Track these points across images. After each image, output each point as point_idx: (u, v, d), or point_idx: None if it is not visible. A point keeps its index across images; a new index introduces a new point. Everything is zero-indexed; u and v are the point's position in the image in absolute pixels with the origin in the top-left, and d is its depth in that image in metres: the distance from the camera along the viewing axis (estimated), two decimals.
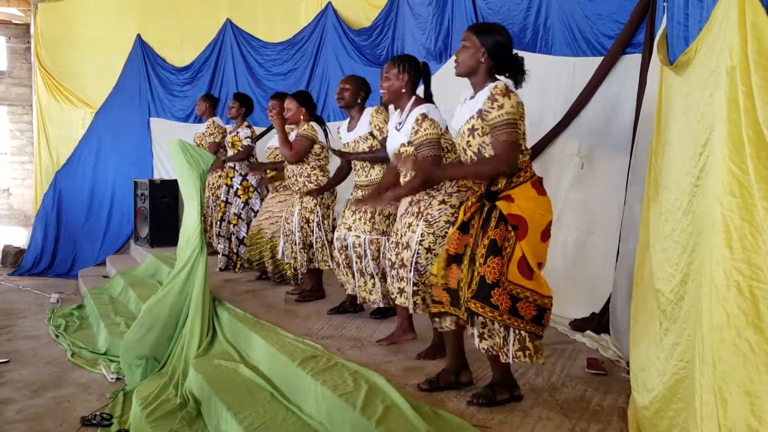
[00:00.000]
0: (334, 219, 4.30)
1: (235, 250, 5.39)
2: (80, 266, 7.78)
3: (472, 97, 2.60)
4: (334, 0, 6.71)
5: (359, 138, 3.70)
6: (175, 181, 6.39)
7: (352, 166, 3.80)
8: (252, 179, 5.36)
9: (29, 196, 9.26)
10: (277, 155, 4.85)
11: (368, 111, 3.70)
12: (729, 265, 1.44)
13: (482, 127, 2.49)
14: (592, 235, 3.92)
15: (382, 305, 3.65)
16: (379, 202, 2.99)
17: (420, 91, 3.14)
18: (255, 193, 5.37)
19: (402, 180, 3.15)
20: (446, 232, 2.89)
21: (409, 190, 2.90)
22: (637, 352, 2.35)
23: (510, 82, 2.52)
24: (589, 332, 3.54)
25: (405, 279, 3.05)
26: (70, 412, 3.69)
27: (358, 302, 3.77)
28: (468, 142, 2.54)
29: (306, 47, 7.02)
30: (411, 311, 3.06)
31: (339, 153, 3.87)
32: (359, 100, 3.73)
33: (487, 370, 2.81)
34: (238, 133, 5.39)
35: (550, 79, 4.10)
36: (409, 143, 3.03)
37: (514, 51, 2.59)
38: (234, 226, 5.34)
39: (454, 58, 2.65)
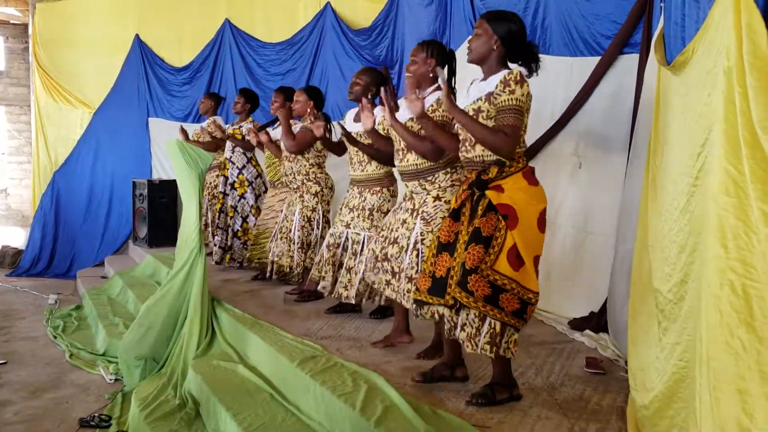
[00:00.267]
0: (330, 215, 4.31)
1: (228, 243, 5.39)
2: (78, 267, 7.77)
3: (483, 80, 2.60)
4: (333, 0, 6.71)
5: (363, 132, 3.66)
6: (174, 181, 6.40)
7: (350, 159, 3.77)
8: (247, 173, 5.36)
9: (27, 196, 9.24)
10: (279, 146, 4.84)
11: (379, 111, 3.66)
12: (723, 264, 1.44)
13: (488, 110, 2.49)
14: (591, 235, 3.93)
15: (353, 302, 3.64)
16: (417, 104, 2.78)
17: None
18: (250, 188, 5.37)
19: (397, 162, 3.12)
20: None
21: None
22: (636, 351, 2.36)
23: (524, 70, 2.53)
24: (587, 331, 3.54)
25: (390, 272, 3.05)
26: (68, 413, 3.68)
27: (333, 297, 3.74)
28: None
29: (305, 47, 7.02)
30: (402, 303, 3.05)
31: (347, 135, 3.79)
32: (369, 95, 3.70)
33: (486, 369, 2.82)
34: (241, 126, 5.38)
35: (547, 79, 4.08)
36: (412, 120, 3.00)
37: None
38: (231, 219, 5.34)
39: (466, 45, 2.65)
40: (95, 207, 8.07)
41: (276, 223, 4.82)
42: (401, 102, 3.18)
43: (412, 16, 5.65)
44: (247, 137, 5.08)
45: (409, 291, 2.96)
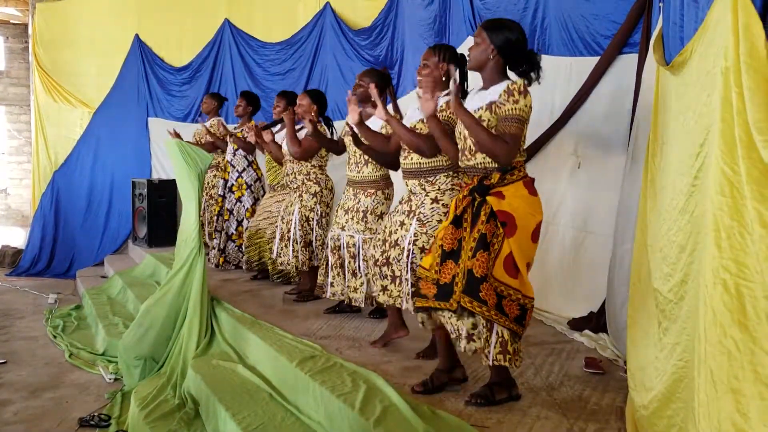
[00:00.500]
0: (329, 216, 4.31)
1: (222, 246, 5.39)
2: (78, 266, 7.77)
3: (480, 89, 2.60)
4: (332, 0, 6.71)
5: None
6: (174, 181, 6.41)
7: (348, 159, 3.76)
8: (246, 177, 5.36)
9: (27, 196, 9.24)
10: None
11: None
12: (717, 264, 1.45)
13: (488, 120, 2.50)
14: (590, 235, 3.93)
15: (363, 306, 3.64)
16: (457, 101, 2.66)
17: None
18: (248, 191, 5.37)
19: (402, 161, 3.12)
20: None
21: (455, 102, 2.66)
22: (636, 351, 2.36)
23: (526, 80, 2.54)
24: (587, 331, 3.55)
25: (389, 277, 3.05)
26: (68, 413, 3.69)
27: (345, 302, 3.76)
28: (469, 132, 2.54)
29: (304, 47, 7.02)
30: (406, 309, 3.05)
31: (354, 137, 3.77)
32: (358, 92, 3.69)
33: (485, 369, 2.82)
34: (243, 129, 5.39)
35: (546, 79, 4.07)
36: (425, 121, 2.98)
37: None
38: (225, 222, 5.35)
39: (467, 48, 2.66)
40: (95, 207, 8.07)
41: (269, 224, 4.83)
42: (400, 102, 3.18)
43: (412, 16, 5.65)
44: (249, 139, 5.08)
45: (409, 293, 2.95)
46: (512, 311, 2.41)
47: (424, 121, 2.89)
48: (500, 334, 2.41)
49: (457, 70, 3.03)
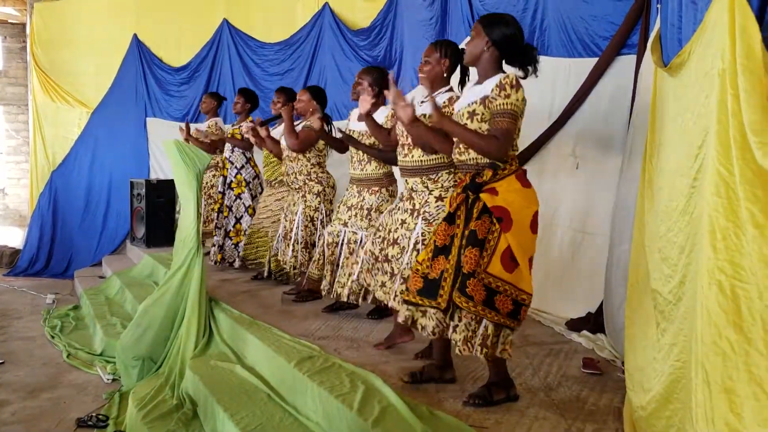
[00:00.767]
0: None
1: (220, 243, 5.39)
2: (76, 267, 7.77)
3: (476, 83, 2.61)
4: (331, 0, 6.71)
5: (366, 132, 3.65)
6: (172, 181, 6.40)
7: (350, 157, 3.77)
8: (245, 173, 5.36)
9: (25, 195, 9.23)
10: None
11: (384, 111, 3.63)
12: (712, 265, 1.45)
13: (482, 113, 2.51)
14: (588, 235, 3.94)
15: (347, 300, 3.63)
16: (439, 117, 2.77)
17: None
18: (247, 188, 5.36)
19: (401, 159, 3.12)
20: None
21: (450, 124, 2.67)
22: (634, 352, 2.36)
23: (521, 73, 2.54)
24: (584, 332, 3.55)
25: (388, 273, 3.06)
26: (66, 413, 3.68)
27: (331, 296, 3.74)
28: (465, 124, 2.55)
29: (303, 47, 7.02)
30: (389, 304, 3.05)
31: (347, 137, 3.77)
32: (372, 94, 3.68)
33: (483, 370, 2.82)
34: (240, 126, 5.38)
35: (545, 80, 4.10)
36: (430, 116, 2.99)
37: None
38: (225, 219, 5.35)
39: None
40: (93, 207, 8.07)
41: (272, 222, 4.83)
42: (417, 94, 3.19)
43: (411, 16, 5.66)
44: (246, 135, 5.07)
45: (402, 292, 2.96)
46: (505, 306, 2.41)
47: (428, 115, 2.87)
48: (486, 328, 2.42)
49: (459, 66, 3.04)
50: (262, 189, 5.34)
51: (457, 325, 2.45)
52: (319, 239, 4.25)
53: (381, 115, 3.64)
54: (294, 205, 4.36)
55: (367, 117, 3.37)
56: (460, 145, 2.61)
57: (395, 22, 5.97)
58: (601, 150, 3.88)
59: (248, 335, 3.61)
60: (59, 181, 8.06)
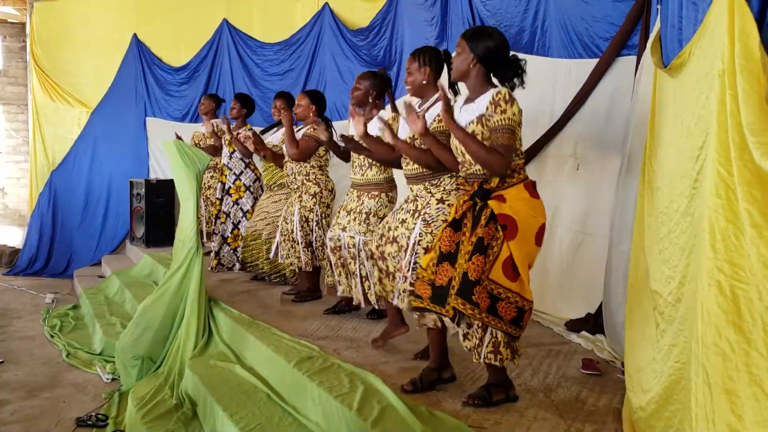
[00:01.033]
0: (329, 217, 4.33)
1: (216, 249, 5.39)
2: (76, 266, 7.77)
3: (467, 100, 2.61)
4: (330, 0, 6.71)
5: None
6: (172, 181, 6.40)
7: (351, 162, 3.78)
8: (245, 178, 5.35)
9: (24, 195, 9.23)
10: (277, 151, 4.86)
11: (384, 115, 3.64)
12: (712, 265, 1.45)
13: (481, 133, 2.50)
14: (588, 236, 3.94)
15: (377, 307, 3.64)
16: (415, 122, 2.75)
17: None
18: (247, 192, 5.35)
19: (405, 167, 3.13)
20: None
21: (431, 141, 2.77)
22: (633, 353, 2.37)
23: (512, 83, 2.53)
24: (584, 333, 3.55)
25: (384, 271, 3.07)
26: (65, 412, 3.68)
27: (354, 303, 3.77)
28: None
29: (303, 48, 7.02)
30: (394, 302, 3.06)
31: (347, 140, 3.80)
32: (370, 99, 3.68)
33: (483, 370, 2.82)
34: (239, 133, 5.39)
35: (546, 81, 4.12)
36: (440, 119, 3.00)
37: (513, 53, 2.60)
38: (221, 225, 5.34)
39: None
40: (92, 206, 8.06)
41: (266, 224, 4.83)
42: (398, 102, 3.18)
43: (411, 16, 5.65)
44: (245, 143, 5.10)
45: (404, 291, 2.96)
46: (508, 314, 2.41)
47: (416, 137, 2.92)
48: (494, 335, 2.43)
49: (443, 70, 3.04)
50: (263, 191, 5.34)
51: (466, 333, 2.44)
52: (316, 240, 4.26)
53: (377, 122, 3.64)
54: (292, 206, 4.37)
55: (366, 137, 3.37)
56: (466, 164, 2.59)
57: (395, 22, 5.96)
58: (601, 151, 3.88)
59: (248, 335, 3.61)
60: (59, 180, 8.06)
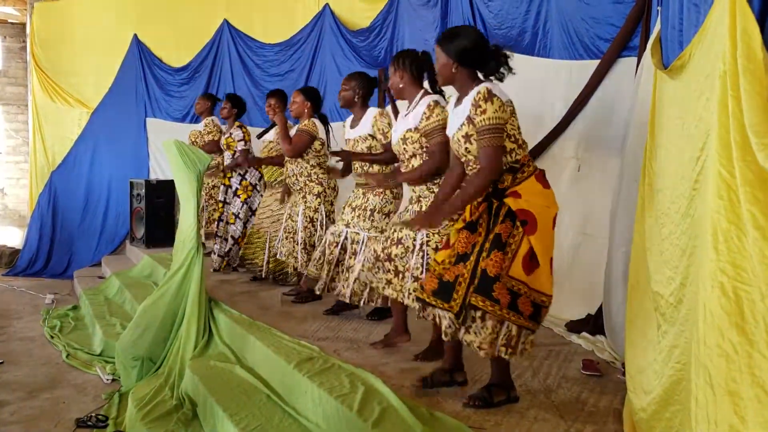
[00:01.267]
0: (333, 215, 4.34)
1: (226, 250, 5.38)
2: (76, 267, 7.77)
3: (458, 101, 2.60)
4: (331, 1, 6.71)
5: (359, 137, 3.71)
6: (172, 181, 6.40)
7: (352, 165, 3.81)
8: (251, 177, 5.35)
9: (24, 196, 9.23)
10: (272, 149, 4.87)
11: (371, 112, 3.69)
12: (714, 267, 1.45)
13: (475, 133, 2.50)
14: (589, 237, 3.94)
15: (348, 301, 3.66)
16: (388, 181, 2.92)
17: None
18: (254, 191, 5.35)
19: (404, 171, 3.18)
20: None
21: (414, 176, 2.92)
22: (634, 354, 2.36)
23: (491, 84, 2.49)
24: (584, 334, 3.55)
25: (392, 272, 3.07)
26: (65, 413, 3.68)
27: (323, 292, 3.79)
28: (467, 148, 2.54)
29: (303, 48, 7.02)
30: (404, 302, 3.07)
31: (336, 153, 3.87)
32: (357, 99, 3.74)
33: (483, 371, 2.82)
34: (231, 134, 5.39)
35: (547, 82, 4.12)
36: (416, 129, 3.06)
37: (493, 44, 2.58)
38: (230, 226, 5.33)
39: None
40: (92, 207, 8.07)
41: (272, 222, 4.84)
42: (399, 103, 3.23)
43: (412, 17, 5.65)
44: (239, 146, 5.24)
45: (415, 290, 2.97)
46: (526, 309, 2.41)
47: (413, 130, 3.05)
48: (509, 328, 2.42)
49: (424, 72, 3.13)
50: (265, 187, 5.34)
51: (470, 327, 2.44)
52: (318, 240, 4.26)
53: (369, 117, 3.69)
54: (296, 205, 4.38)
55: (355, 156, 3.59)
56: (471, 163, 2.58)
57: (396, 22, 5.96)
58: (602, 152, 3.89)
59: (248, 336, 3.61)
60: (59, 181, 8.07)
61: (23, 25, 9.16)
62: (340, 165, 3.93)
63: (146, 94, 8.00)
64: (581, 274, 3.95)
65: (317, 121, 4.30)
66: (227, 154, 5.43)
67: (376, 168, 3.65)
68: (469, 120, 2.48)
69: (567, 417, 2.48)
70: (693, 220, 1.79)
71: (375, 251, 3.17)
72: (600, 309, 3.56)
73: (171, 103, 7.95)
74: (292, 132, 4.41)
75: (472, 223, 2.54)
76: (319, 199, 4.27)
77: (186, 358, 3.78)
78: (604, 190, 3.76)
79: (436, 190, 3.00)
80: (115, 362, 4.20)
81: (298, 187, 4.38)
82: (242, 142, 5.32)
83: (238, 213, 5.31)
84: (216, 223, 5.45)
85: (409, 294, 3.02)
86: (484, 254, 2.42)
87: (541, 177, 2.54)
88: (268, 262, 4.87)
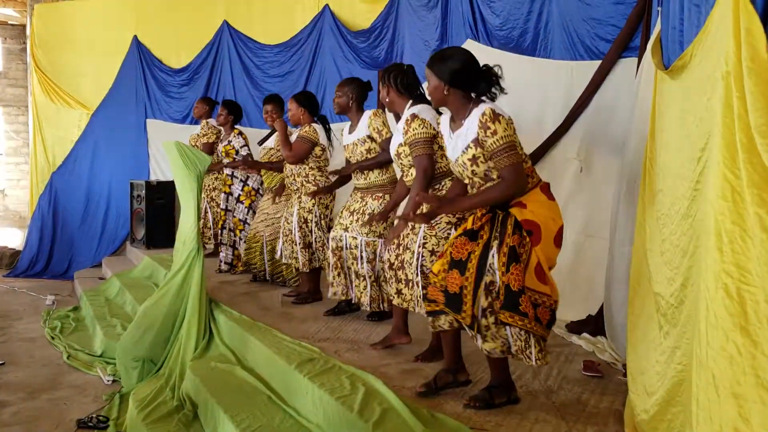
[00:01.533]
0: (332, 219, 4.32)
1: (231, 257, 5.38)
2: (76, 268, 7.76)
3: (455, 124, 2.58)
4: (331, 2, 6.71)
5: (358, 140, 3.72)
6: (172, 182, 6.40)
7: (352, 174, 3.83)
8: (252, 182, 5.35)
9: (25, 197, 9.23)
10: (272, 155, 4.87)
11: (367, 114, 3.71)
12: (718, 268, 1.45)
13: (483, 155, 2.47)
14: (590, 238, 3.94)
15: (369, 309, 3.66)
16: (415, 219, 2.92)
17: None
18: (257, 195, 5.35)
19: (405, 179, 3.22)
20: (448, 234, 2.90)
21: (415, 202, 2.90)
22: (636, 355, 2.36)
23: (492, 104, 2.48)
24: (585, 335, 3.55)
25: (403, 281, 3.06)
26: (66, 414, 3.68)
27: (353, 302, 3.78)
28: (473, 171, 2.51)
29: (303, 49, 7.02)
30: (415, 311, 3.07)
31: (338, 172, 3.96)
32: (351, 104, 3.75)
33: (484, 372, 2.82)
34: (230, 141, 5.39)
35: (548, 83, 4.11)
36: (403, 144, 3.13)
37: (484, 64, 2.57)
38: (241, 232, 5.32)
39: None
40: (93, 208, 8.07)
41: (266, 226, 4.84)
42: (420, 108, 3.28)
43: (412, 18, 5.65)
44: (241, 152, 5.25)
45: (419, 296, 2.97)
46: (544, 317, 2.42)
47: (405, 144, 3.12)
48: (536, 338, 2.41)
49: (408, 82, 3.22)
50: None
51: (485, 335, 2.43)
52: (315, 241, 4.26)
53: (363, 123, 3.70)
54: (291, 206, 4.38)
55: (349, 169, 3.70)
56: (476, 187, 2.56)
57: (396, 24, 5.96)
58: (604, 153, 3.88)
59: (249, 337, 3.61)
60: (59, 182, 8.07)
61: (23, 26, 9.17)
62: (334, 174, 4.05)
63: (146, 95, 8.00)
64: (582, 274, 3.95)
65: (317, 126, 4.30)
66: (226, 161, 5.41)
67: (376, 171, 3.66)
68: (477, 143, 2.45)
69: (568, 418, 2.48)
70: (694, 220, 1.79)
71: (389, 260, 3.16)
72: (601, 310, 3.56)
73: (171, 104, 7.95)
74: (293, 138, 4.40)
75: (473, 232, 2.52)
76: (313, 201, 4.27)
77: (187, 359, 3.78)
78: (605, 191, 3.76)
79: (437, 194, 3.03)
80: (116, 363, 4.20)
81: (295, 188, 4.38)
82: (245, 148, 5.33)
83: (245, 219, 5.30)
84: (220, 231, 5.44)
85: (418, 301, 3.00)
86: (503, 269, 2.40)
87: (546, 189, 2.54)
88: (266, 264, 4.87)
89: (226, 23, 7.64)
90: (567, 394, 2.74)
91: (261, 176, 5.36)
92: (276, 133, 4.71)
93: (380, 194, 3.65)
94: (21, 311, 6.12)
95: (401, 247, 3.09)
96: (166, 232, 6.82)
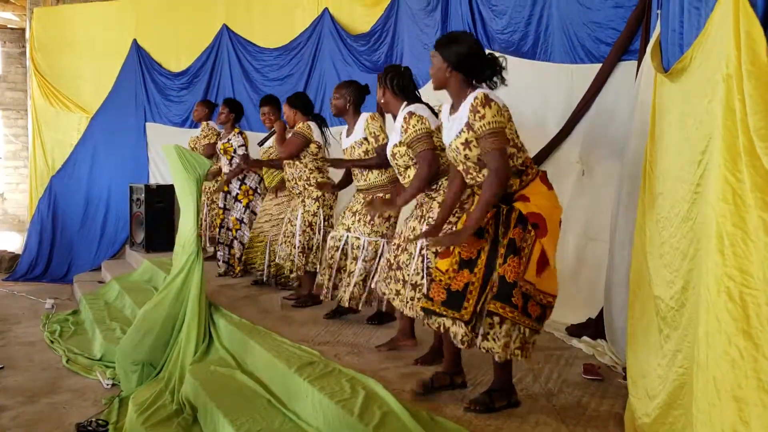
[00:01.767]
0: (332, 219, 4.34)
1: (237, 255, 5.37)
2: (76, 271, 7.75)
3: (452, 108, 2.60)
4: (330, 5, 6.72)
5: (355, 143, 3.73)
6: (171, 186, 6.39)
7: (351, 171, 3.83)
8: (250, 181, 5.35)
9: (24, 200, 9.22)
10: (272, 154, 4.88)
11: (363, 116, 3.72)
12: (720, 272, 1.45)
13: (475, 139, 2.49)
14: (591, 241, 3.94)
15: (347, 305, 3.68)
16: (391, 207, 3.01)
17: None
18: (255, 194, 5.35)
19: (402, 180, 3.23)
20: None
21: (412, 193, 3.00)
22: (636, 358, 2.36)
23: (487, 90, 2.50)
24: (585, 338, 3.55)
25: (401, 281, 3.07)
26: (65, 418, 3.67)
27: (327, 299, 3.80)
28: (466, 155, 2.52)
29: (302, 53, 7.02)
30: (403, 312, 3.07)
31: (331, 161, 3.93)
32: (348, 106, 3.75)
33: (485, 375, 2.82)
34: (229, 140, 5.39)
35: (549, 87, 4.12)
36: (401, 143, 3.12)
37: (499, 55, 2.59)
38: (237, 231, 5.32)
39: None
40: (92, 212, 8.05)
41: (271, 227, 4.84)
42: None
43: (412, 22, 5.65)
44: (239, 152, 5.23)
45: (412, 299, 2.97)
46: (535, 311, 2.42)
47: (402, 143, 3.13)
48: (522, 331, 2.42)
49: (405, 88, 3.23)
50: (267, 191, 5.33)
51: (487, 334, 2.43)
52: (317, 244, 4.26)
53: (360, 126, 3.71)
54: (295, 210, 4.39)
55: (346, 163, 3.71)
56: (470, 171, 2.56)
57: (396, 27, 5.96)
58: (604, 156, 3.89)
59: (248, 341, 3.61)
60: (58, 185, 8.06)
61: (23, 30, 9.17)
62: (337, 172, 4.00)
63: (146, 98, 7.99)
64: (582, 277, 3.95)
65: (312, 123, 4.31)
66: (224, 159, 5.42)
67: (375, 172, 3.66)
68: (469, 126, 2.47)
69: (568, 421, 2.48)
70: (694, 223, 1.79)
71: (388, 260, 3.17)
72: (601, 313, 3.56)
73: (170, 107, 7.94)
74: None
75: (480, 229, 2.53)
76: (317, 203, 4.27)
77: (186, 362, 3.77)
78: (606, 194, 3.76)
79: (434, 195, 3.03)
80: (116, 367, 4.19)
81: (297, 191, 4.38)
82: (242, 147, 5.33)
83: (242, 218, 5.30)
84: (218, 229, 5.44)
85: (408, 302, 3.01)
86: (500, 260, 2.41)
87: (545, 178, 2.55)
88: (269, 266, 4.87)
89: (225, 27, 7.64)
90: (567, 397, 2.74)
91: (260, 176, 5.37)
92: (275, 134, 4.71)
93: (381, 194, 3.66)
94: (20, 315, 6.11)
95: (400, 248, 3.10)
96: (166, 235, 6.81)
